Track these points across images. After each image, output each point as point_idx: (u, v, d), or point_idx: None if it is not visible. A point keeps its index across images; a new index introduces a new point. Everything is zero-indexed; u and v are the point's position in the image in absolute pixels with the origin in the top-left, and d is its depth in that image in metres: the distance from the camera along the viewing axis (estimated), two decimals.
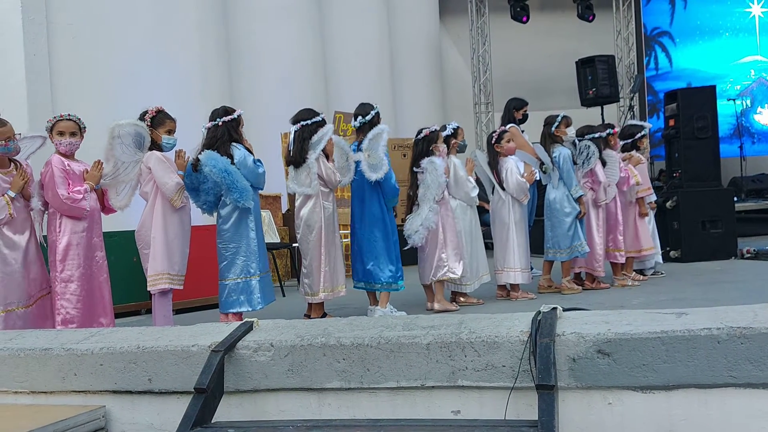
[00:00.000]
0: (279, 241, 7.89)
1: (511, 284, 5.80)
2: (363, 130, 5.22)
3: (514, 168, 5.76)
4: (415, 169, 5.41)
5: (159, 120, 4.59)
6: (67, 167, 4.25)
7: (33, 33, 6.92)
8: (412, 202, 5.43)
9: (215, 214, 4.80)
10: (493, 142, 5.89)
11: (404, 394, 2.34)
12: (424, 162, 5.34)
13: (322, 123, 5.07)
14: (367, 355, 2.39)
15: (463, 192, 5.57)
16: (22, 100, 6.58)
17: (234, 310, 4.64)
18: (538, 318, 2.29)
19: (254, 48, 9.58)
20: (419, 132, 5.51)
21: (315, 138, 4.96)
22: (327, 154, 5.06)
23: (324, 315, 5.05)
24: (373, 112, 5.26)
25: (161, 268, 4.47)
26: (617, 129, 6.43)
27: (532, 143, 6.68)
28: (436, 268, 5.37)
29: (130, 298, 6.20)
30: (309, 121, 5.00)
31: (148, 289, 4.55)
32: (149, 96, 6.91)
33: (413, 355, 2.32)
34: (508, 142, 5.82)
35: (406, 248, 5.42)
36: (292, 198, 8.65)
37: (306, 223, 5.04)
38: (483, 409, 2.29)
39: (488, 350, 2.25)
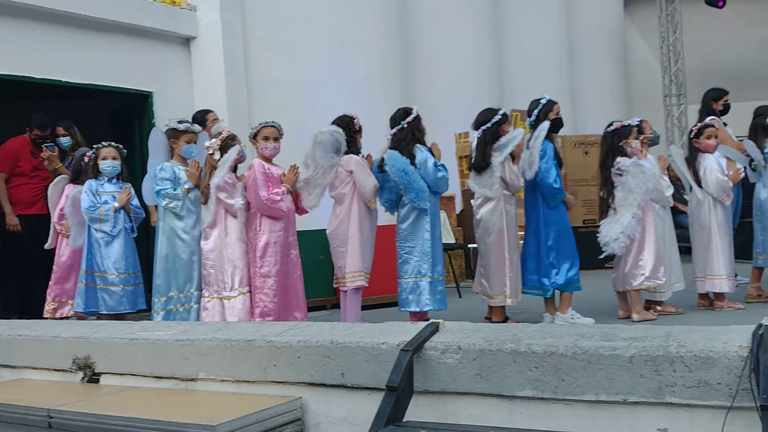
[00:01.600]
0: (454, 241, 7.88)
1: (714, 293, 5.28)
2: (534, 128, 5.04)
3: (714, 165, 5.23)
4: (612, 169, 5.06)
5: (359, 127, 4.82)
6: (267, 170, 4.55)
7: (232, 48, 7.51)
8: (606, 205, 5.06)
9: (396, 213, 4.91)
10: (692, 137, 5.41)
11: (604, 408, 2.20)
12: (627, 163, 4.94)
13: (504, 120, 4.97)
14: (561, 364, 2.27)
15: (656, 191, 5.17)
16: (223, 110, 7.17)
17: (405, 309, 4.74)
18: (760, 332, 2.05)
19: (430, 50, 9.68)
20: (609, 125, 5.17)
21: (503, 140, 4.88)
22: (513, 157, 4.96)
23: (506, 319, 4.95)
24: (536, 111, 5.03)
25: (358, 266, 4.65)
26: None
27: (737, 138, 6.07)
28: (633, 275, 4.98)
29: (317, 293, 6.51)
30: (490, 124, 4.92)
31: (347, 285, 4.70)
32: (333, 101, 7.23)
33: (614, 368, 2.17)
34: (709, 138, 5.30)
35: (601, 256, 5.09)
36: (466, 198, 8.65)
37: (484, 226, 4.95)
38: (694, 428, 2.09)
39: (701, 366, 2.05)
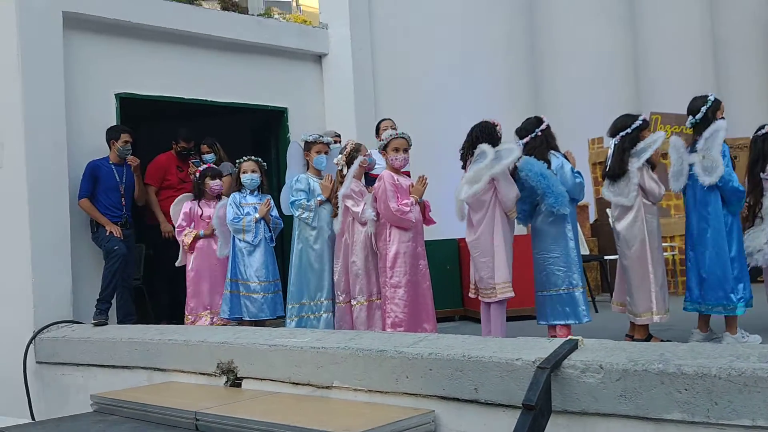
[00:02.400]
0: (588, 252, 7.57)
1: None
2: (698, 128, 4.62)
3: None
4: (762, 175, 4.67)
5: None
6: (397, 182, 4.60)
7: (360, 62, 7.68)
8: (753, 213, 4.71)
9: (529, 226, 4.76)
10: None
11: None
12: None
13: (644, 126, 4.70)
14: (714, 387, 2.11)
15: None
16: (351, 123, 7.34)
17: (559, 322, 4.54)
18: None
19: (560, 52, 9.40)
20: (760, 128, 4.77)
21: (641, 145, 4.61)
22: (652, 164, 4.67)
23: (649, 337, 4.66)
24: (704, 108, 4.59)
25: (506, 276, 4.55)
26: None
27: None
28: None
29: (445, 304, 6.47)
30: (629, 130, 4.66)
31: (498, 296, 4.58)
32: (461, 110, 7.19)
33: None
34: None
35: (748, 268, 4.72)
36: (600, 208, 8.28)
37: (624, 238, 4.67)
38: None
39: None
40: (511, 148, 4.49)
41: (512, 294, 4.53)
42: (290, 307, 4.80)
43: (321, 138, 5.00)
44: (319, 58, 7.73)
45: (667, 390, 2.20)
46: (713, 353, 2.26)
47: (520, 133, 4.74)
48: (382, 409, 2.75)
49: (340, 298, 4.76)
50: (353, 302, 4.66)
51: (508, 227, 4.61)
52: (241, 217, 5.17)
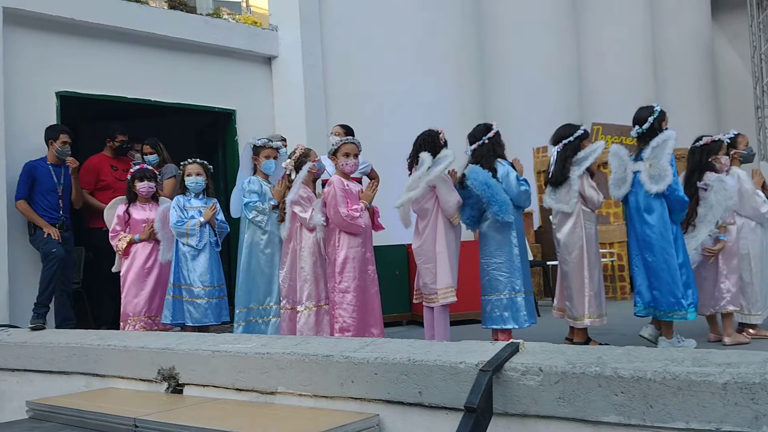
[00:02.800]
0: (532, 258, 7.72)
1: None
2: (643, 138, 4.74)
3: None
4: (698, 183, 4.86)
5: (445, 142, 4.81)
6: (347, 187, 4.60)
7: (311, 66, 7.66)
8: (687, 221, 4.88)
9: (477, 230, 4.84)
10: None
11: None
12: (711, 178, 4.76)
13: (585, 135, 4.84)
14: (650, 390, 2.18)
15: (750, 207, 4.90)
16: (302, 126, 7.32)
17: (498, 326, 4.62)
18: None
19: (507, 63, 9.59)
20: (698, 139, 4.96)
21: (581, 154, 4.74)
22: (592, 173, 4.81)
23: (588, 340, 4.78)
24: (651, 119, 4.71)
25: (449, 282, 4.61)
26: None
27: None
28: (716, 298, 4.77)
29: (393, 309, 6.51)
30: (572, 138, 4.79)
31: (439, 302, 4.64)
32: (411, 117, 7.26)
33: (707, 395, 2.06)
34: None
35: None
36: (544, 215, 8.47)
37: (565, 243, 4.79)
38: None
39: None
40: (446, 155, 4.56)
41: (454, 299, 4.59)
42: (237, 311, 4.74)
43: (270, 143, 4.95)
44: (268, 60, 7.68)
45: (604, 393, 2.25)
46: (649, 357, 2.33)
47: (470, 139, 4.82)
48: (327, 414, 2.75)
49: (283, 304, 4.72)
50: (300, 308, 4.61)
51: (453, 233, 4.67)
52: (185, 220, 5.08)
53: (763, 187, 5.04)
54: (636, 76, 11.15)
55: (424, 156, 4.56)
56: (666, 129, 4.71)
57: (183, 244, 5.08)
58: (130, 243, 5.26)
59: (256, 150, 4.96)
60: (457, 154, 5.07)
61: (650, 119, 4.69)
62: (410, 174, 4.69)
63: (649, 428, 2.17)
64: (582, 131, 4.82)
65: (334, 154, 4.67)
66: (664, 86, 11.72)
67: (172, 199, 5.34)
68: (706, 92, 12.53)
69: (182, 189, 5.25)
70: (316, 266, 4.63)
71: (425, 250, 4.66)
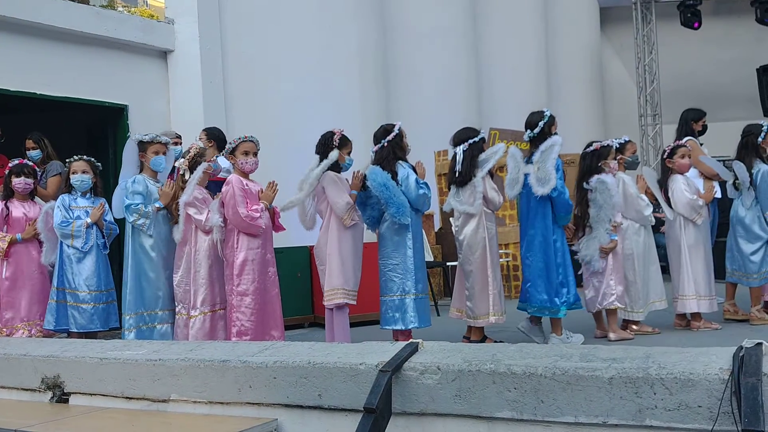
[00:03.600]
0: (432, 259, 7.86)
1: (692, 313, 5.30)
2: (534, 142, 4.89)
3: (682, 186, 5.27)
4: (585, 185, 5.08)
5: (343, 141, 4.76)
6: (246, 187, 4.47)
7: (210, 61, 7.46)
8: (582, 223, 5.07)
9: (377, 231, 4.86)
10: (664, 157, 5.45)
11: (584, 430, 2.17)
12: (594, 181, 4.98)
13: (482, 141, 4.97)
14: (540, 385, 2.25)
15: (634, 210, 5.19)
16: (200, 123, 7.10)
17: (390, 327, 4.67)
18: (741, 354, 2.04)
19: (410, 69, 9.72)
20: (588, 145, 5.18)
21: (483, 156, 4.86)
22: (492, 174, 4.94)
23: (484, 338, 4.91)
24: (541, 123, 4.86)
25: (337, 283, 4.60)
26: None
27: (717, 158, 6.12)
28: (603, 295, 5.01)
29: (295, 311, 6.43)
30: (476, 138, 4.91)
31: (324, 303, 4.67)
32: (312, 117, 7.22)
33: (593, 389, 2.15)
34: (682, 157, 5.35)
35: (579, 272, 5.10)
36: (444, 216, 8.64)
37: (468, 244, 4.89)
38: None
39: (681, 388, 2.03)
40: (330, 156, 4.61)
41: (343, 300, 4.61)
42: (127, 317, 4.48)
43: (158, 138, 4.69)
44: (164, 54, 7.42)
45: (498, 389, 2.31)
46: (540, 353, 2.41)
47: (374, 140, 4.85)
48: (222, 420, 2.67)
49: (179, 309, 4.52)
50: (194, 313, 4.43)
51: (348, 235, 4.66)
52: (71, 221, 4.78)
53: (645, 192, 5.34)
54: (530, 84, 11.59)
55: (315, 159, 4.61)
56: (555, 134, 4.91)
57: (68, 246, 4.79)
58: (11, 243, 4.92)
59: (143, 146, 4.65)
60: (360, 156, 5.09)
61: (540, 123, 4.87)
62: None
63: (540, 423, 2.24)
64: (483, 136, 4.95)
65: (231, 153, 4.55)
66: (557, 94, 12.24)
67: (56, 197, 5.03)
68: (594, 100, 13.20)
69: (67, 188, 4.95)
70: (211, 269, 4.47)
71: (319, 252, 4.70)
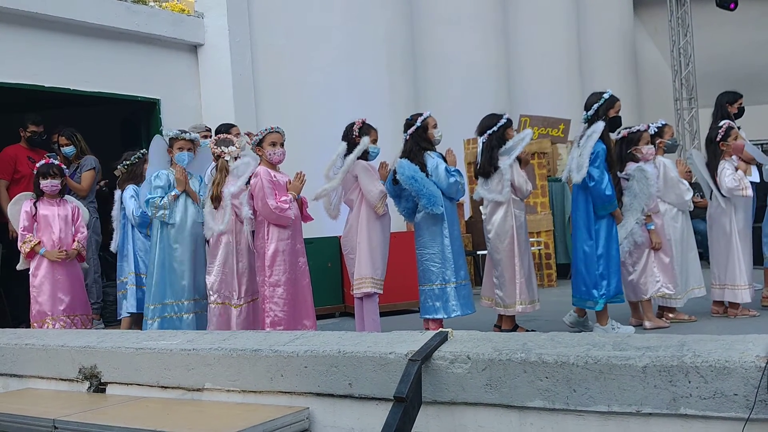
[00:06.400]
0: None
1: (730, 301, 5.17)
2: (590, 124, 4.76)
3: (729, 168, 5.12)
4: (619, 174, 4.94)
5: (365, 130, 4.76)
6: (274, 178, 4.50)
7: (239, 54, 7.50)
8: None
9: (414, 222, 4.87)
10: (718, 139, 5.21)
11: (617, 419, 2.15)
12: (632, 168, 4.88)
13: (509, 124, 4.90)
14: (572, 374, 2.22)
15: (674, 195, 5.07)
16: (230, 116, 7.16)
17: (430, 317, 4.67)
18: None
19: (439, 55, 9.66)
20: (617, 132, 5.08)
21: (510, 143, 4.81)
22: (521, 161, 4.88)
23: (515, 327, 4.88)
24: (596, 105, 4.71)
25: (366, 272, 4.62)
26: None
27: (751, 141, 5.97)
28: (646, 283, 4.88)
29: (326, 301, 6.48)
30: (495, 128, 4.84)
31: (353, 292, 4.70)
32: (341, 108, 7.22)
33: (627, 378, 2.12)
34: (735, 139, 5.17)
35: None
36: (475, 205, 8.60)
37: (496, 233, 4.85)
38: None
39: (717, 376, 1.99)
40: (363, 141, 4.64)
41: (371, 289, 4.63)
42: (152, 307, 4.56)
43: (182, 134, 4.74)
44: (194, 48, 7.49)
45: (529, 378, 2.29)
46: (572, 342, 2.38)
47: (404, 131, 4.84)
48: (256, 409, 2.70)
49: (214, 299, 4.56)
50: (239, 302, 4.50)
51: (378, 224, 4.68)
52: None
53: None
54: (562, 70, 11.43)
55: (339, 148, 4.61)
56: (613, 117, 4.78)
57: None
58: (33, 249, 4.99)
59: (171, 142, 4.74)
60: (388, 145, 5.09)
61: (595, 106, 4.76)
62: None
63: (573, 412, 2.22)
64: (505, 120, 4.87)
65: (258, 145, 4.55)
66: (589, 79, 12.06)
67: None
68: (628, 85, 12.96)
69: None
70: (251, 260, 4.55)
71: (349, 241, 4.72)
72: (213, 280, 4.55)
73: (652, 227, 4.92)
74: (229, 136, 4.80)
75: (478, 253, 7.68)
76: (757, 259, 5.51)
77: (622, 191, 4.92)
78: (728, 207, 5.11)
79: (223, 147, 4.59)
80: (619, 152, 5.01)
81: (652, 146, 5.02)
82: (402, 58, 8.71)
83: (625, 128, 5.06)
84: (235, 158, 4.57)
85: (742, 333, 2.28)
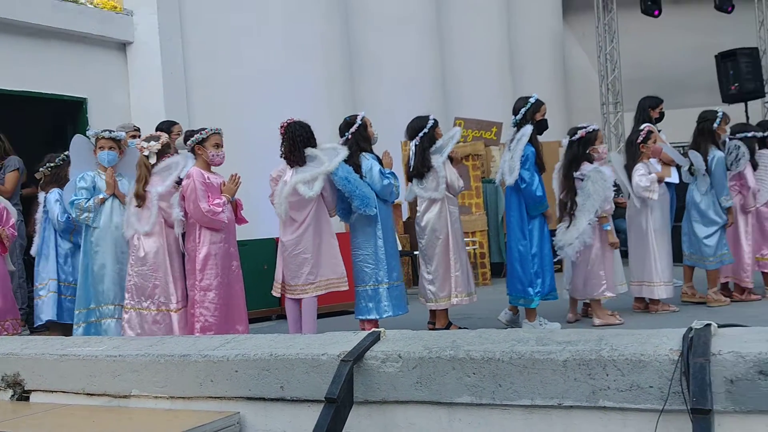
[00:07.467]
0: (401, 248, 7.89)
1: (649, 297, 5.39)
2: (518, 128, 4.91)
3: (642, 169, 5.34)
4: (575, 174, 5.05)
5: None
6: (207, 180, 4.42)
7: (170, 52, 7.36)
8: (568, 211, 5.04)
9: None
10: (638, 141, 5.42)
11: (540, 412, 2.21)
12: (588, 169, 4.96)
13: (436, 124, 5.00)
14: (498, 370, 2.28)
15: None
16: (160, 115, 7.01)
17: (364, 317, 4.69)
18: (690, 335, 2.09)
19: (375, 56, 9.71)
20: (574, 132, 5.13)
21: (440, 142, 4.90)
22: (452, 159, 4.97)
23: (449, 324, 4.96)
24: (523, 110, 4.88)
25: (336, 273, 4.60)
26: None
27: (673, 145, 6.24)
28: (594, 285, 5.00)
29: (262, 304, 6.41)
30: (426, 129, 4.94)
31: (308, 294, 4.61)
32: (277, 108, 7.16)
33: (549, 372, 2.19)
34: (654, 142, 5.40)
35: (556, 259, 5.13)
36: (412, 205, 8.68)
37: (432, 228, 4.94)
38: (627, 431, 2.12)
39: (633, 369, 2.08)
40: (336, 149, 4.59)
41: (336, 289, 4.61)
42: (77, 312, 4.44)
43: (103, 133, 4.63)
44: (123, 46, 7.30)
45: (458, 375, 2.34)
46: (498, 338, 2.44)
47: (340, 133, 4.85)
48: (184, 415, 2.66)
49: (145, 305, 4.43)
50: (177, 306, 4.40)
51: (330, 225, 4.69)
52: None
53: None
54: (494, 73, 11.67)
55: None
56: (541, 120, 4.91)
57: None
58: None
59: (95, 141, 4.65)
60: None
61: (522, 110, 4.90)
62: (292, 167, 4.60)
63: (498, 406, 2.28)
64: (432, 121, 4.98)
65: (201, 144, 4.45)
66: (521, 83, 12.34)
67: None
68: (557, 89, 13.33)
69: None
70: (181, 263, 4.45)
71: (305, 241, 4.56)
72: (144, 285, 4.42)
73: (609, 227, 5.04)
74: (159, 133, 4.69)
75: (415, 253, 7.75)
76: (677, 257, 5.76)
77: (576, 192, 5.01)
78: (644, 207, 5.33)
79: (144, 143, 4.48)
80: (575, 152, 5.09)
81: (605, 146, 5.18)
82: (339, 57, 8.72)
83: (581, 128, 5.13)
84: (157, 155, 4.45)
85: (660, 328, 2.38)
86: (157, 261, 4.41)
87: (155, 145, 4.46)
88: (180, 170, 4.39)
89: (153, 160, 4.44)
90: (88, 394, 3.02)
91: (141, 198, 4.38)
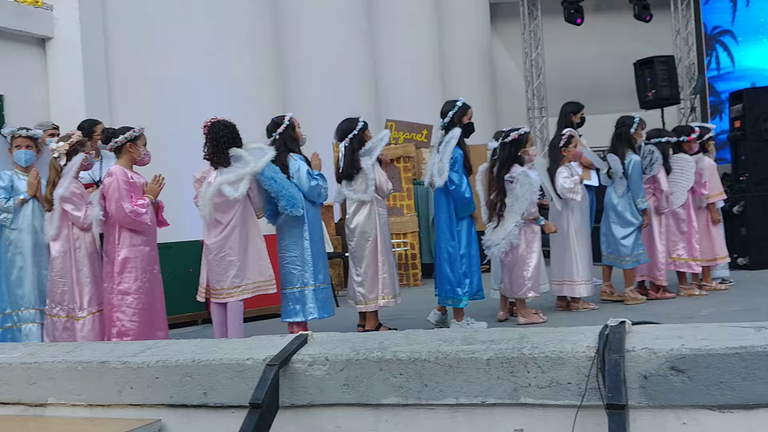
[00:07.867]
0: (332, 250, 7.87)
1: (571, 296, 5.57)
2: (446, 131, 4.96)
3: (565, 172, 5.52)
4: (505, 176, 5.12)
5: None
6: (131, 179, 4.27)
7: (92, 48, 7.11)
8: (497, 211, 5.11)
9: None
10: (561, 145, 5.60)
11: (464, 411, 2.25)
12: (518, 172, 5.04)
13: (365, 126, 5.02)
14: (424, 370, 2.30)
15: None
16: (81, 113, 6.76)
17: (290, 320, 4.65)
18: (606, 332, 2.17)
19: (305, 58, 9.66)
20: (506, 135, 5.20)
21: (369, 144, 4.91)
22: (380, 161, 5.00)
23: (379, 326, 4.98)
24: (451, 113, 4.93)
25: (263, 275, 4.51)
26: (695, 134, 6.01)
27: (593, 148, 6.47)
28: (519, 285, 5.10)
29: (187, 308, 6.26)
30: (356, 131, 4.95)
31: (235, 297, 4.51)
32: (203, 107, 7.01)
33: (473, 371, 2.23)
34: (575, 146, 5.60)
35: (485, 260, 5.21)
36: (344, 207, 8.67)
37: (361, 231, 4.94)
38: (548, 427, 2.18)
39: (552, 366, 2.14)
40: (263, 149, 4.51)
41: (263, 292, 4.53)
42: None
43: (20, 131, 4.43)
44: (42, 41, 7.00)
45: (384, 376, 2.35)
46: (425, 339, 2.47)
47: (267, 133, 4.79)
48: (103, 423, 2.57)
49: (56, 311, 4.26)
50: (81, 314, 4.22)
51: (257, 227, 4.61)
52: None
53: None
54: (425, 76, 11.82)
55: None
56: (468, 123, 4.98)
57: None
58: None
59: (10, 140, 4.45)
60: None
61: (450, 113, 4.97)
62: (216, 168, 4.49)
63: (425, 406, 2.30)
64: (362, 123, 5.00)
65: (133, 142, 4.30)
66: (451, 86, 12.53)
67: None
68: (486, 94, 13.61)
69: None
70: (94, 267, 4.28)
71: (231, 243, 4.46)
72: (53, 291, 4.26)
73: (543, 222, 5.15)
74: (70, 132, 4.50)
75: (347, 255, 7.74)
76: (596, 256, 5.97)
77: (506, 193, 5.09)
78: (565, 209, 5.51)
79: (53, 144, 4.32)
80: (507, 154, 5.16)
81: (535, 148, 5.30)
82: (267, 59, 8.61)
83: (511, 130, 5.20)
84: (66, 155, 4.28)
85: (579, 325, 2.46)
86: (63, 266, 4.24)
87: (63, 146, 4.29)
88: (77, 168, 4.22)
89: (63, 161, 4.27)
90: (1, 403, 2.88)
91: (49, 202, 4.23)
